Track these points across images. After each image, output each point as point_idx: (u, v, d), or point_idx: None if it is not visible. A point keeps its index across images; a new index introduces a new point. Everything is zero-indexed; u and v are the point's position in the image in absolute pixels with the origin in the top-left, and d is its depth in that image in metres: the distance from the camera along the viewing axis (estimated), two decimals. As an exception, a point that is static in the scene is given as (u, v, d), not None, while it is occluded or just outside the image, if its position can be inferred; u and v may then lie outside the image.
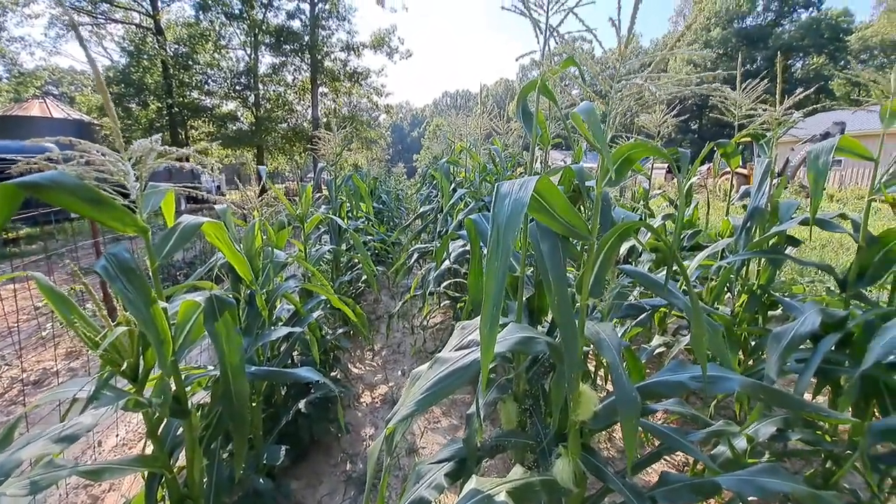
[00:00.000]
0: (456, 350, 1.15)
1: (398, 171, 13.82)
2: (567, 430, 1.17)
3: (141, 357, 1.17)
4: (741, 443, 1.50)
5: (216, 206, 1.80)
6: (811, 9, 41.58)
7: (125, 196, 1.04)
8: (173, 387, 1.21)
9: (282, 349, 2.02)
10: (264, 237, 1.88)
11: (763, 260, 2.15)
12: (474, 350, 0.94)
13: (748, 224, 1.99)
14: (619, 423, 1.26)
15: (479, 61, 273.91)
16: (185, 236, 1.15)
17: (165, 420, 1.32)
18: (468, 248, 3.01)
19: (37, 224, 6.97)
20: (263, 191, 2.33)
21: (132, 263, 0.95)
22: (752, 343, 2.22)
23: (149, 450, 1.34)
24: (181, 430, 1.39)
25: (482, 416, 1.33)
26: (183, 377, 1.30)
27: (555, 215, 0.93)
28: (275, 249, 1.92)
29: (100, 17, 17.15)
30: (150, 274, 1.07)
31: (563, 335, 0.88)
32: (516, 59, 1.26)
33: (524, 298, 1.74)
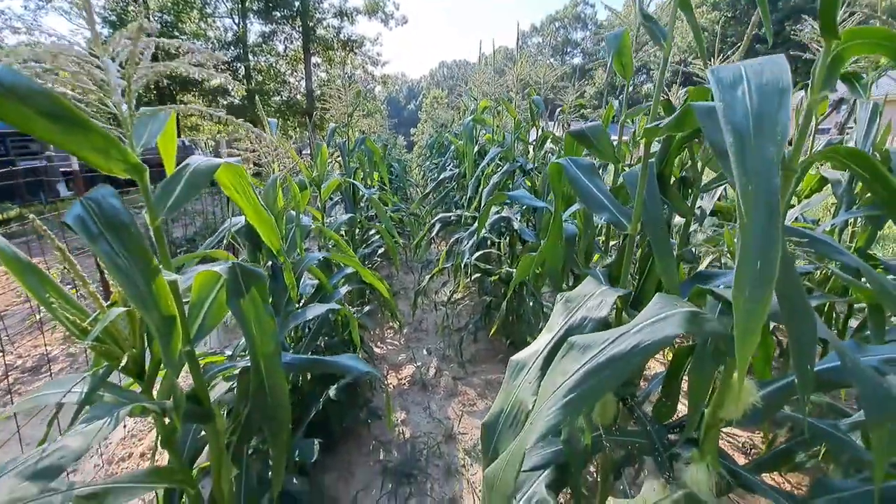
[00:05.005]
0: (566, 324, 0.87)
1: (399, 144, 13.29)
2: (701, 430, 0.90)
3: (147, 346, 0.88)
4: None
5: (227, 160, 1.48)
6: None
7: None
8: (186, 382, 0.93)
9: (310, 330, 1.74)
10: (286, 197, 1.57)
11: (861, 219, 1.86)
12: (629, 332, 0.65)
13: (855, 178, 1.68)
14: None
15: (478, 29, 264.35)
16: (194, 183, 0.84)
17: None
18: (502, 213, 2.70)
19: (24, 204, 6.60)
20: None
21: (123, 215, 0.64)
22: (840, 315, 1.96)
23: (164, 457, 1.09)
24: (202, 431, 1.14)
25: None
26: (202, 367, 1.03)
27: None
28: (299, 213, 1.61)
29: (76, -18, 16.05)
30: (152, 235, 0.77)
31: (792, 319, 0.59)
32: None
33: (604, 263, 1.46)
